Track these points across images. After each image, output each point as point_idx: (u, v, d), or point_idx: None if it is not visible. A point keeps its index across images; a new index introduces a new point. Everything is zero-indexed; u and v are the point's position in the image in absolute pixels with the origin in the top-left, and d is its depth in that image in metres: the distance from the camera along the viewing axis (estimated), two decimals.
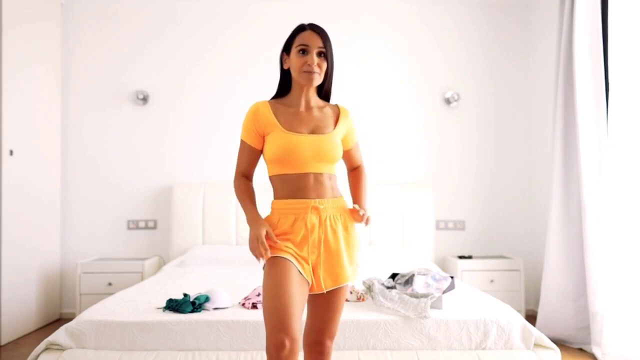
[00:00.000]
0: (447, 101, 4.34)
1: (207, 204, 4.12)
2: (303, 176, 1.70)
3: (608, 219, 3.08)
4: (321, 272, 1.68)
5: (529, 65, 4.38)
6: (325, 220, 1.70)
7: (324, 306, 1.71)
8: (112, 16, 4.31)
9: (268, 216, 1.75)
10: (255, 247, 1.62)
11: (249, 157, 1.78)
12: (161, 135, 4.29)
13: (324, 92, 1.83)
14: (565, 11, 3.38)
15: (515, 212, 4.35)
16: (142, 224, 4.27)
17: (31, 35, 3.77)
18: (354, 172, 1.95)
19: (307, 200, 1.69)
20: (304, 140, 1.70)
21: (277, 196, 1.75)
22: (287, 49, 1.77)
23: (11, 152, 3.53)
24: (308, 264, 1.67)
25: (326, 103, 1.85)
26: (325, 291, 1.68)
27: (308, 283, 1.66)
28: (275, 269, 1.60)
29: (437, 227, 4.34)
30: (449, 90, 4.35)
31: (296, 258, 1.65)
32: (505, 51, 4.39)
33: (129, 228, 4.26)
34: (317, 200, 1.69)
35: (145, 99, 4.25)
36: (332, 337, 1.73)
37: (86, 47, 4.29)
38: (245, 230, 4.07)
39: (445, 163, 4.36)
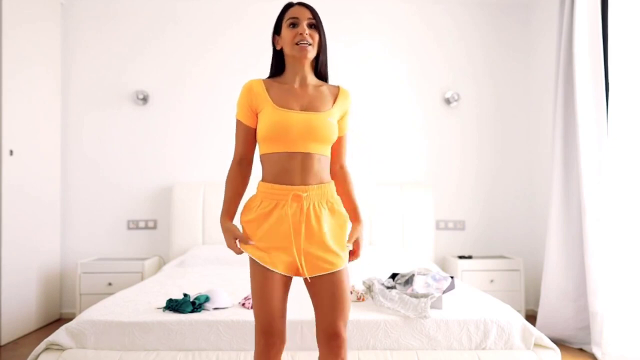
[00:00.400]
0: (447, 101, 4.34)
1: (207, 204, 4.12)
2: (291, 156, 1.64)
3: (608, 219, 3.08)
4: (308, 258, 1.64)
5: (529, 65, 4.38)
6: (308, 208, 1.64)
7: (325, 294, 1.65)
8: (112, 16, 4.31)
9: (251, 197, 1.71)
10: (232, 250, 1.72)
11: (244, 137, 1.72)
12: (161, 135, 4.29)
13: (319, 68, 1.76)
14: (565, 11, 3.38)
15: (515, 212, 4.35)
16: (142, 224, 4.27)
17: (31, 35, 3.77)
18: (339, 176, 1.81)
19: (290, 187, 1.63)
20: (295, 117, 1.64)
21: (263, 178, 1.70)
22: (277, 30, 1.76)
23: (11, 152, 3.53)
24: (291, 253, 1.63)
25: (324, 82, 1.78)
26: (307, 277, 1.65)
27: (290, 277, 1.67)
28: (256, 277, 1.66)
29: (437, 227, 4.34)
30: (449, 90, 4.35)
31: (273, 258, 1.63)
32: (505, 51, 4.39)
33: (129, 228, 4.26)
34: (301, 187, 1.63)
35: (145, 99, 4.25)
36: (345, 323, 1.66)
37: (86, 47, 4.29)
38: None
39: (445, 163, 4.36)
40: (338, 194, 1.80)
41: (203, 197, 4.14)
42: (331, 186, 1.72)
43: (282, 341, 1.67)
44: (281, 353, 1.70)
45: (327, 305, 1.65)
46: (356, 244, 1.78)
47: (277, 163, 1.66)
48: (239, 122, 1.73)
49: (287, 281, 1.68)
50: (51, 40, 4.06)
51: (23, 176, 3.67)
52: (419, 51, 4.37)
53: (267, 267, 1.64)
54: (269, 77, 1.78)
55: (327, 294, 1.65)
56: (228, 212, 1.73)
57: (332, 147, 1.77)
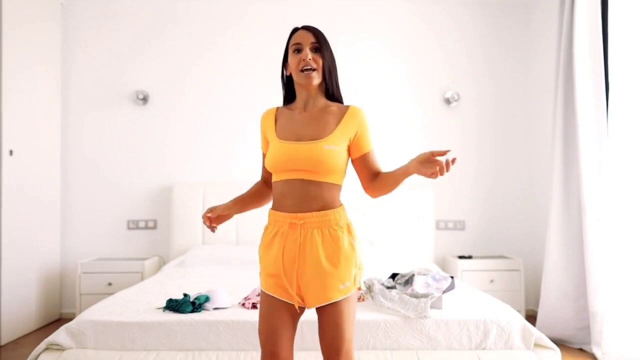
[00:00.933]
0: (447, 101, 4.34)
1: (207, 204, 4.12)
2: (290, 184, 1.63)
3: (608, 219, 3.08)
4: (304, 289, 1.61)
5: (529, 65, 4.38)
6: (306, 235, 1.61)
7: (322, 321, 1.62)
8: (112, 16, 4.31)
9: (265, 225, 1.73)
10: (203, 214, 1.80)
11: (265, 164, 1.82)
12: (161, 135, 4.29)
13: (331, 90, 1.73)
14: (565, 11, 3.38)
15: (515, 212, 4.35)
16: (142, 224, 4.27)
17: (31, 35, 3.77)
18: (378, 179, 1.75)
19: (287, 214, 1.62)
20: (291, 148, 1.63)
21: (271, 205, 1.73)
22: (287, 57, 1.76)
23: (11, 152, 3.53)
24: (292, 282, 1.61)
25: (335, 103, 1.74)
26: (304, 307, 1.65)
27: (296, 304, 1.63)
28: (261, 301, 1.70)
29: (437, 227, 4.34)
30: (449, 90, 4.35)
31: (279, 285, 1.62)
32: (505, 51, 4.39)
33: (129, 228, 4.26)
34: (299, 214, 1.61)
35: (145, 99, 4.25)
36: (338, 352, 1.60)
37: (86, 47, 4.29)
38: (245, 230, 4.08)
39: None
40: (386, 183, 1.73)
41: (203, 197, 4.14)
42: (337, 212, 1.65)
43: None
44: None
45: (326, 333, 1.61)
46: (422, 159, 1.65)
47: (279, 190, 1.68)
48: (261, 150, 1.83)
49: (293, 309, 1.65)
50: (51, 40, 4.06)
51: (23, 176, 3.67)
52: (419, 51, 4.37)
53: (270, 294, 1.65)
54: (284, 104, 1.81)
55: (328, 323, 1.61)
56: (239, 197, 1.83)
57: (362, 164, 1.74)
